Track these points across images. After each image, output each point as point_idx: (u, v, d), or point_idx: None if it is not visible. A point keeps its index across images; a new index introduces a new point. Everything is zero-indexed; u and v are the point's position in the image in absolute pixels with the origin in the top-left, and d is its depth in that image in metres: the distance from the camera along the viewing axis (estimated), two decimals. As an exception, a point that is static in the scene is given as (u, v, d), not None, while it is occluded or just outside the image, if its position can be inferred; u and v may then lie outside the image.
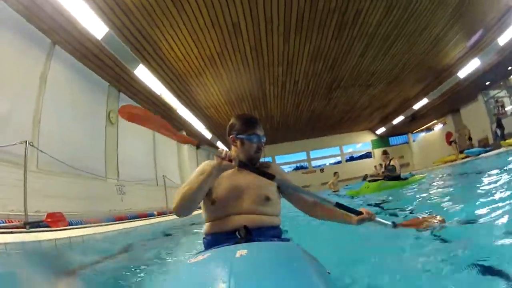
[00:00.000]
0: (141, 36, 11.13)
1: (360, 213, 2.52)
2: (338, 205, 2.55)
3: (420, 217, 3.24)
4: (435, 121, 32.30)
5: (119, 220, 9.56)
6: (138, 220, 10.50)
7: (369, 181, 14.14)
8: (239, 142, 2.64)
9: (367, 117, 30.09)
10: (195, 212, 2.56)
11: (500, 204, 4.07)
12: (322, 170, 36.62)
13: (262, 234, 2.33)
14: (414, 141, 37.64)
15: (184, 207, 2.35)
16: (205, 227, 2.54)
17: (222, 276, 1.34)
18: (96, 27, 9.71)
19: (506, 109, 23.52)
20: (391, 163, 12.88)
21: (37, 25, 9.18)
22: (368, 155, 37.81)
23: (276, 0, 10.52)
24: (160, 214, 12.85)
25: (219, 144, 26.90)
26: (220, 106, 19.33)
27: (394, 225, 2.77)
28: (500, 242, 2.78)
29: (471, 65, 18.99)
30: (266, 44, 13.14)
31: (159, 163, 17.11)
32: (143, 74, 12.81)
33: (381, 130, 35.11)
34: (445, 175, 14.61)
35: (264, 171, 2.50)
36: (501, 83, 22.92)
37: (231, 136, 2.69)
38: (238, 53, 13.45)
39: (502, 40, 16.09)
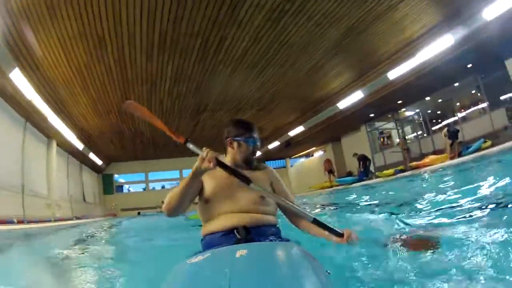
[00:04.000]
0: (20, 39, 10.83)
1: (341, 234, 2.39)
2: (316, 221, 2.45)
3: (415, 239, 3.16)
4: (315, 148, 33.14)
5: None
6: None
7: None
8: (236, 144, 2.74)
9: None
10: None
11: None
12: None
13: (261, 233, 2.36)
14: (292, 166, 38.64)
15: (171, 209, 2.45)
16: (203, 228, 2.56)
17: (222, 276, 1.33)
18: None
19: (397, 140, 24.53)
20: None
21: None
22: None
23: (139, 17, 10.52)
24: (20, 222, 12.46)
25: (92, 155, 26.47)
26: (90, 117, 18.91)
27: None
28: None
29: (353, 97, 19.47)
30: (129, 60, 13.04)
31: (27, 171, 16.26)
32: (18, 78, 12.40)
33: (257, 154, 35.42)
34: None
35: (241, 174, 2.43)
36: (389, 115, 23.72)
37: (228, 138, 2.78)
38: (103, 66, 13.27)
39: (392, 75, 16.61)
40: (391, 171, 18.35)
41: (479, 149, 14.47)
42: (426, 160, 16.64)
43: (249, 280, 1.34)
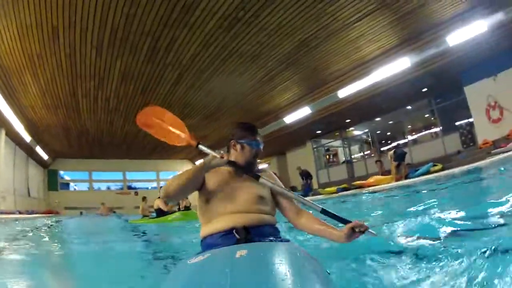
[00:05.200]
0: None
1: (349, 222, 2.28)
2: (324, 211, 2.49)
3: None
4: (259, 160, 33.49)
5: None
6: None
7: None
8: (239, 147, 2.71)
9: (185, 147, 29.93)
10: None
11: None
12: (136, 193, 36.19)
13: (261, 233, 2.35)
14: (236, 177, 38.86)
15: (171, 192, 2.44)
16: (202, 230, 2.54)
17: (222, 276, 1.36)
18: None
19: (343, 158, 24.90)
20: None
21: None
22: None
23: (93, 10, 10.56)
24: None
25: (39, 149, 25.85)
26: (38, 109, 18.60)
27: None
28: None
29: (301, 112, 19.78)
30: (80, 53, 13.14)
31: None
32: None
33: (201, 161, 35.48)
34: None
35: (251, 171, 2.62)
36: (337, 133, 24.10)
37: (231, 141, 2.76)
38: (54, 57, 13.13)
39: (342, 93, 16.98)
40: (333, 188, 18.56)
41: (427, 172, 14.79)
42: (371, 180, 16.92)
43: (249, 280, 1.38)
